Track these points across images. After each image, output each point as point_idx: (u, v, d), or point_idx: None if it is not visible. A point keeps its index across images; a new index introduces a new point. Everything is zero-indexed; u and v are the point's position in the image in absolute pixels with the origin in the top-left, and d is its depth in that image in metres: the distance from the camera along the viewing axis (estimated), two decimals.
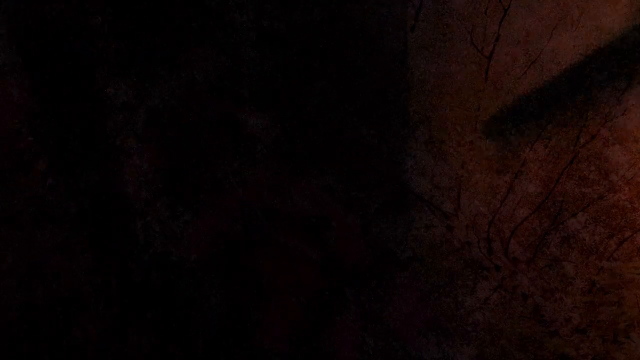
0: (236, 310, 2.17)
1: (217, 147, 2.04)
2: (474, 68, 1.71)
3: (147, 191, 2.05)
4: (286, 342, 2.13)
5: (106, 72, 1.86)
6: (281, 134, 2.01)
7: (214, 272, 2.14)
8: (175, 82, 1.84)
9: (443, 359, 1.92)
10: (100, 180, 1.91)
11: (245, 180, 2.06)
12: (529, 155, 1.69)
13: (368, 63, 1.85)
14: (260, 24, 1.83)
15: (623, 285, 1.66)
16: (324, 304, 2.07)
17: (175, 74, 1.84)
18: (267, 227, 2.09)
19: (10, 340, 1.75)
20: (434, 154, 1.81)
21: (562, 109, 1.63)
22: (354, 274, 2.01)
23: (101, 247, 1.96)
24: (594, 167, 1.62)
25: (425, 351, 1.95)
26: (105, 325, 2.02)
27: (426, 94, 1.78)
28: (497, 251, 1.80)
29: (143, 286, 2.08)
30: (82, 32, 1.83)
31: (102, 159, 1.92)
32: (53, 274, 1.83)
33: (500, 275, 1.81)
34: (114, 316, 2.04)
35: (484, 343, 1.86)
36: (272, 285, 2.14)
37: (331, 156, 1.96)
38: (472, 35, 1.69)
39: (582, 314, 1.72)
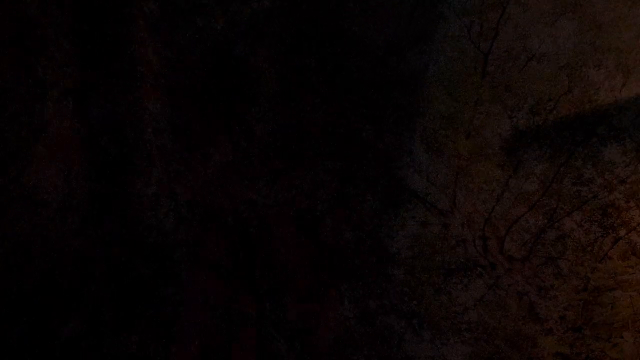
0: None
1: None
2: (472, 64, 1.70)
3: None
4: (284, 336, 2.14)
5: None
6: (275, 129, 2.00)
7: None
8: None
9: (437, 357, 1.93)
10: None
11: (234, 168, 2.06)
12: (525, 153, 1.68)
13: (363, 57, 1.84)
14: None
15: (617, 286, 1.65)
16: (317, 300, 2.08)
17: None
18: (262, 219, 2.10)
19: None
20: (429, 150, 1.81)
21: (558, 106, 1.62)
22: (348, 270, 2.01)
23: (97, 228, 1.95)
24: (589, 165, 1.61)
25: (419, 349, 1.95)
26: (98, 319, 2.02)
27: (422, 90, 1.77)
28: (493, 249, 1.80)
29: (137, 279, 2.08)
30: None
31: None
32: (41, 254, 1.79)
33: (495, 273, 1.81)
34: (107, 310, 2.05)
35: (478, 341, 1.86)
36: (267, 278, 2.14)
37: (325, 152, 1.96)
38: (470, 31, 1.67)
39: (577, 312, 1.72)
